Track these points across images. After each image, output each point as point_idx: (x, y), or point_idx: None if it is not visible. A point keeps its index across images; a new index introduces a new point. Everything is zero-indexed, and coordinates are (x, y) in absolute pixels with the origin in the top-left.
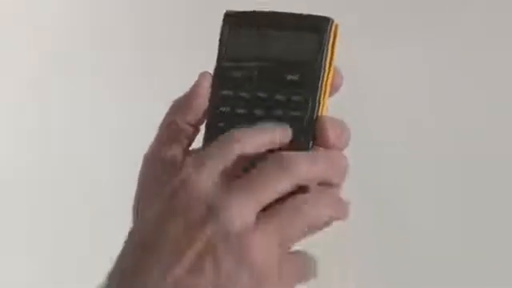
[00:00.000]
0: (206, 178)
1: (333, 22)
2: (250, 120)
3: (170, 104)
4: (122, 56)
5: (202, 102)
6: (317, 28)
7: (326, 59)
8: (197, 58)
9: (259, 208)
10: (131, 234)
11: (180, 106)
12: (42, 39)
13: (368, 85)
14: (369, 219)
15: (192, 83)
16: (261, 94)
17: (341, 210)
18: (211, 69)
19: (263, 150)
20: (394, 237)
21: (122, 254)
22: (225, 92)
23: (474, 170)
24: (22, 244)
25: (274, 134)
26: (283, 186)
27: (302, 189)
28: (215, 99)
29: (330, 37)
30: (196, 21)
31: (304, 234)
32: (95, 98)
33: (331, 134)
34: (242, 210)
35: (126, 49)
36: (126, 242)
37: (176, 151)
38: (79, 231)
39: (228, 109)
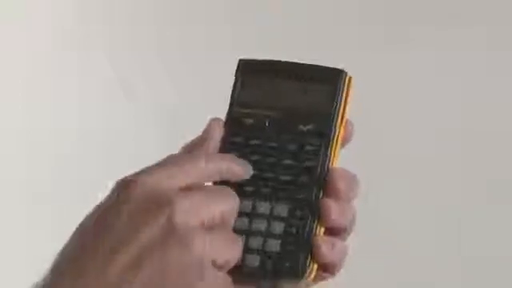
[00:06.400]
0: (159, 178)
1: (346, 74)
2: (260, 167)
3: (180, 144)
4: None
5: (213, 146)
6: (331, 79)
7: (339, 111)
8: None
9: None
10: (76, 230)
11: (191, 148)
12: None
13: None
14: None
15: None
16: (272, 144)
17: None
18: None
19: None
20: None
21: (61, 251)
22: (235, 139)
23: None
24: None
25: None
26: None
27: None
28: (226, 145)
29: (343, 88)
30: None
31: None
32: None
33: (342, 186)
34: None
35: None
36: (68, 239)
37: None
38: None
39: (238, 155)
